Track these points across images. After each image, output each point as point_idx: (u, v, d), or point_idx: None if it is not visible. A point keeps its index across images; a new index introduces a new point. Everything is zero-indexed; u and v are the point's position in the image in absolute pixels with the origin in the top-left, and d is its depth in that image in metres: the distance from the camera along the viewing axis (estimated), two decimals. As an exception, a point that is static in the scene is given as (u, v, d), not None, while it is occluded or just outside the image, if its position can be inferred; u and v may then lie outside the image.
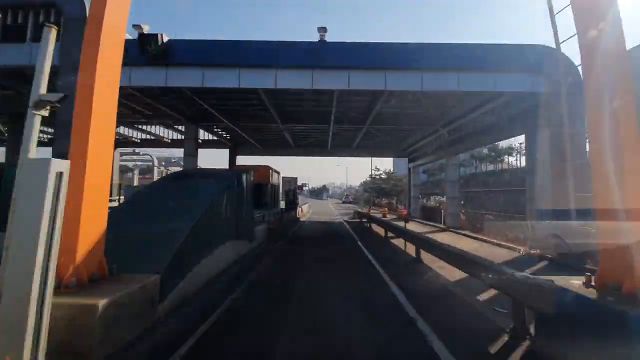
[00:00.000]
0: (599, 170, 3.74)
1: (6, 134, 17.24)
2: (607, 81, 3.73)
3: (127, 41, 4.98)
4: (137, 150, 32.36)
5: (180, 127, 21.57)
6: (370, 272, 7.95)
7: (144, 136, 23.97)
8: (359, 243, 12.99)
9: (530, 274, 4.57)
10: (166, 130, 23.66)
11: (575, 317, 3.19)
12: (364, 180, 53.38)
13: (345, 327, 4.44)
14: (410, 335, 4.14)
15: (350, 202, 62.35)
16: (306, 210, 32.49)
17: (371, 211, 27.29)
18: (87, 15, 4.38)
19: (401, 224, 15.43)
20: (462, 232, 16.03)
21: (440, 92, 12.36)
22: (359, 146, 25.19)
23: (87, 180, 3.79)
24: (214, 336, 4.05)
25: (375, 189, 37.78)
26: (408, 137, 23.18)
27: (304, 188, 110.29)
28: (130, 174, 37.20)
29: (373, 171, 44.22)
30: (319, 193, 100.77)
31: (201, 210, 6.25)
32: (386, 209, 26.73)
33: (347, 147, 25.64)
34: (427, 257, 8.47)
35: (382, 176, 35.94)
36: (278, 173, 17.00)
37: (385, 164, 50.24)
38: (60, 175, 2.54)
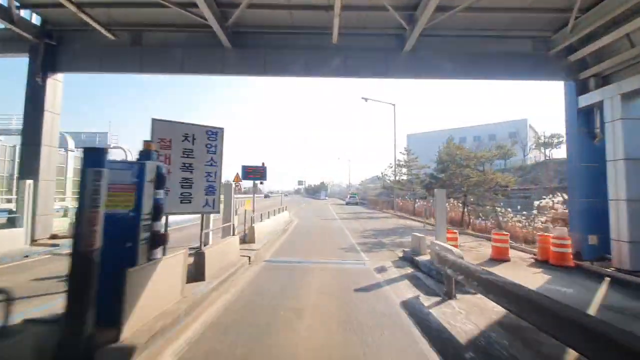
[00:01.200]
0: None
1: None
2: None
3: None
4: None
5: None
6: None
7: None
8: None
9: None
10: None
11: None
12: (380, 173, 36.19)
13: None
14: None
15: (356, 204, 47.91)
16: (271, 240, 11.57)
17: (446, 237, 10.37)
18: None
19: None
20: None
21: None
22: (419, 48, 8.42)
23: None
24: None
25: (423, 181, 20.58)
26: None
27: (301, 187, 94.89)
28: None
29: (401, 153, 27.69)
30: (315, 192, 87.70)
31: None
32: (507, 235, 8.63)
33: (389, 50, 8.79)
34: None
35: (441, 154, 17.09)
36: None
37: (397, 147, 32.82)
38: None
